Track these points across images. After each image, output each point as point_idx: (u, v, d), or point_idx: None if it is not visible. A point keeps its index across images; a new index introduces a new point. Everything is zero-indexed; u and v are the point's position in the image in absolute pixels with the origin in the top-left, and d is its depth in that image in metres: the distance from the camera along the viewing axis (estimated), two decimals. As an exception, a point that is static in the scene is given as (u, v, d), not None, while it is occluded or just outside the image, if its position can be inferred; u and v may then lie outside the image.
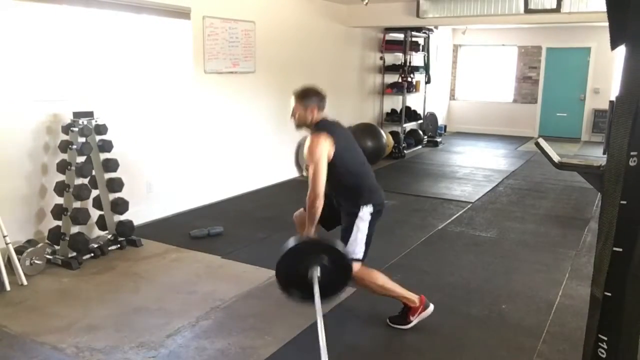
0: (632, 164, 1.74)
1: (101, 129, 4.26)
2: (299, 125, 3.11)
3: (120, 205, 4.37)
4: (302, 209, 3.36)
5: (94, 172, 4.25)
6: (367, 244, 3.04)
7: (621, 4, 1.74)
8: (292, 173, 6.64)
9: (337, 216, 3.13)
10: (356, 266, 2.97)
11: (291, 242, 2.63)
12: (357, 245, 3.00)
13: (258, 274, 3.85)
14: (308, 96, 3.06)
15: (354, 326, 3.16)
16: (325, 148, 2.89)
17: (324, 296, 2.60)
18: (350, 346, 2.95)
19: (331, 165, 2.92)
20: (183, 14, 5.23)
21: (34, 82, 4.11)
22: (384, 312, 3.21)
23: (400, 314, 3.13)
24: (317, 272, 2.57)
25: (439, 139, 10.46)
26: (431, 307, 3.14)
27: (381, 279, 3.09)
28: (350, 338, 3.03)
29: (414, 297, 3.11)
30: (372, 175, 3.15)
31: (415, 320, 3.11)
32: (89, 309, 3.32)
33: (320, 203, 2.88)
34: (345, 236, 3.02)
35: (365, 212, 3.00)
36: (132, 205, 4.49)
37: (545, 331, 3.10)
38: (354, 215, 3.00)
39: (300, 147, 5.21)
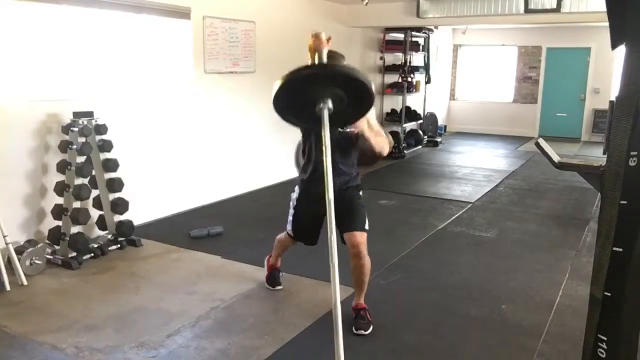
0: (632, 164, 1.74)
1: (101, 129, 4.26)
2: None
3: (120, 205, 4.37)
4: (285, 233, 3.35)
5: (94, 172, 4.25)
6: None
7: (620, 4, 1.74)
8: (292, 173, 6.62)
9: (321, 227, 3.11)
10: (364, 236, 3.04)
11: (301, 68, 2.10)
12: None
13: (258, 274, 3.85)
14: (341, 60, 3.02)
15: (352, 326, 3.15)
16: None
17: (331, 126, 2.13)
18: (349, 346, 2.95)
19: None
20: (183, 14, 5.24)
21: (34, 82, 4.11)
22: (383, 312, 3.21)
23: None
24: (328, 104, 2.09)
25: (439, 139, 10.46)
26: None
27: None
28: (348, 338, 3.02)
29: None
30: None
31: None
32: (89, 309, 3.32)
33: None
34: (358, 212, 3.06)
35: None
36: (132, 205, 4.49)
37: (545, 331, 3.09)
38: (360, 188, 3.14)
39: (299, 147, 5.19)
